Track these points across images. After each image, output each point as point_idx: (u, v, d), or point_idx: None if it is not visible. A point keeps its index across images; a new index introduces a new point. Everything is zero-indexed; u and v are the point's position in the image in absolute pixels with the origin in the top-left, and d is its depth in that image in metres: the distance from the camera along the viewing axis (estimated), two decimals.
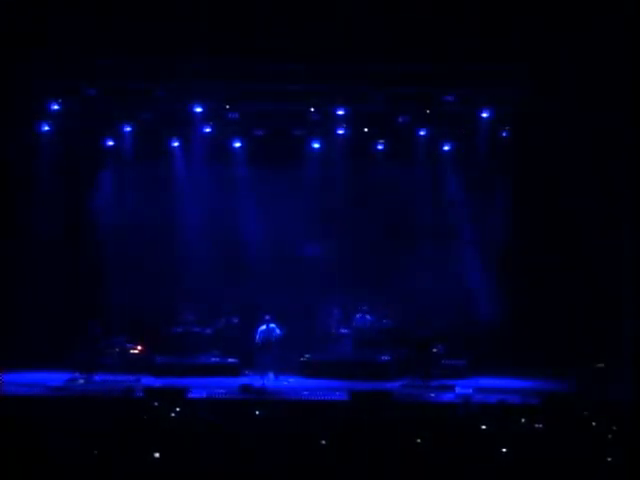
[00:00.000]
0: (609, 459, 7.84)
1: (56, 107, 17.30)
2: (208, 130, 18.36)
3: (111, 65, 15.79)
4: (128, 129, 18.21)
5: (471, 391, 14.47)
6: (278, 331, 17.17)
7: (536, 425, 9.47)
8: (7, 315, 17.38)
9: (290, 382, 16.45)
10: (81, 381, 16.03)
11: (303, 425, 9.30)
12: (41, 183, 18.03)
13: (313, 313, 18.14)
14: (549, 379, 15.75)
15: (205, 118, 17.89)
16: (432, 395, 14.54)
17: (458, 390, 14.78)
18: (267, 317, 17.23)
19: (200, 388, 14.18)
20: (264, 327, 17.23)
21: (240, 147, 18.87)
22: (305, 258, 18.64)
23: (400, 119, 17.77)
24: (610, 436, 9.04)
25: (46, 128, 17.76)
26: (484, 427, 9.21)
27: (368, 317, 17.89)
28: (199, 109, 17.45)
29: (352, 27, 14.71)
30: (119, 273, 18.56)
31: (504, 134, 18.07)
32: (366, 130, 18.41)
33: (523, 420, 9.96)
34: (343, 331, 18.00)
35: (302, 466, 7.58)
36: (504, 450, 8.05)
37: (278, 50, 15.07)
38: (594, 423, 9.85)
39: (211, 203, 18.99)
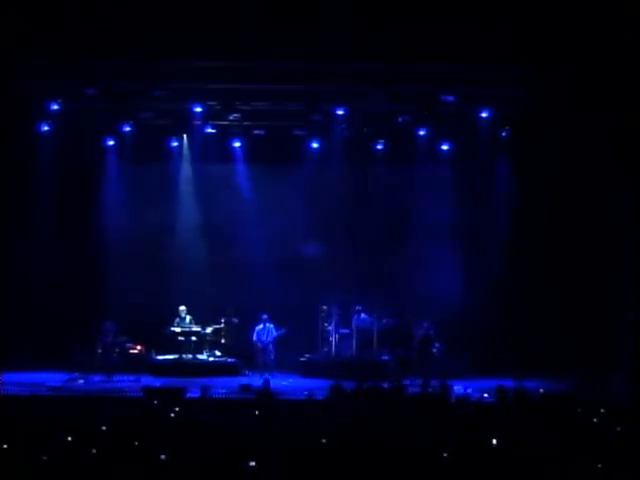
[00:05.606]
0: (608, 459, 7.84)
1: (56, 107, 17.30)
2: (208, 130, 18.38)
3: (111, 65, 15.80)
4: (128, 129, 18.22)
5: (470, 391, 14.47)
6: (275, 331, 17.30)
7: (536, 425, 9.47)
8: (7, 315, 17.40)
9: (290, 382, 16.48)
10: (81, 381, 16.06)
11: (303, 425, 9.30)
12: (41, 183, 18.03)
13: (313, 313, 18.14)
14: (549, 379, 15.73)
15: (205, 118, 17.90)
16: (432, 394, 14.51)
17: (457, 389, 14.77)
18: (264, 316, 17.36)
19: (199, 388, 14.16)
20: (261, 326, 17.37)
21: (240, 147, 18.88)
22: (305, 258, 18.63)
23: (400, 119, 17.78)
24: (609, 435, 9.04)
25: (46, 128, 17.77)
26: (483, 427, 9.21)
27: (363, 316, 17.94)
28: (199, 109, 17.46)
29: (352, 27, 14.72)
30: (119, 273, 18.58)
31: (504, 134, 18.10)
32: (366, 130, 18.44)
33: (523, 419, 9.96)
34: (343, 331, 18.02)
35: (302, 466, 7.58)
36: (503, 449, 8.06)
37: (278, 50, 15.07)
38: (594, 422, 9.86)
39: (211, 203, 19.01)
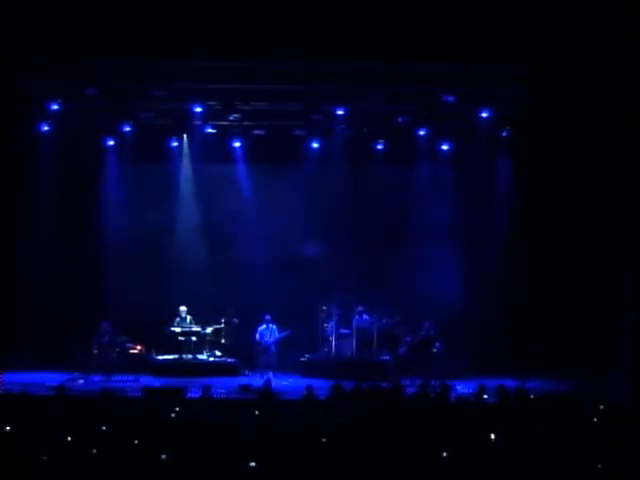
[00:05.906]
0: (608, 459, 7.83)
1: (56, 107, 17.29)
2: (208, 130, 18.38)
3: (111, 65, 15.80)
4: (128, 129, 18.21)
5: (471, 391, 14.45)
6: (278, 332, 17.34)
7: (535, 424, 9.47)
8: (7, 315, 17.40)
9: (290, 382, 16.48)
10: (81, 381, 16.06)
11: (303, 425, 9.30)
12: (41, 183, 18.02)
13: (313, 313, 18.14)
14: (549, 379, 15.73)
15: (205, 118, 17.90)
16: (431, 395, 14.49)
17: (458, 390, 14.75)
18: (267, 317, 17.40)
19: (199, 388, 14.15)
20: (264, 327, 17.40)
21: (240, 147, 18.88)
22: (305, 258, 18.62)
23: (400, 119, 17.78)
24: (609, 435, 9.04)
25: (46, 128, 17.76)
26: (483, 427, 9.21)
27: (365, 317, 17.94)
28: (199, 109, 17.46)
29: (352, 27, 14.72)
30: (119, 273, 18.58)
31: (504, 134, 18.09)
32: (366, 130, 18.44)
33: (522, 419, 9.96)
34: (343, 331, 18.02)
35: (302, 466, 7.58)
36: (503, 449, 8.06)
37: (278, 50, 15.07)
38: (594, 422, 9.85)
39: (211, 203, 19.01)
